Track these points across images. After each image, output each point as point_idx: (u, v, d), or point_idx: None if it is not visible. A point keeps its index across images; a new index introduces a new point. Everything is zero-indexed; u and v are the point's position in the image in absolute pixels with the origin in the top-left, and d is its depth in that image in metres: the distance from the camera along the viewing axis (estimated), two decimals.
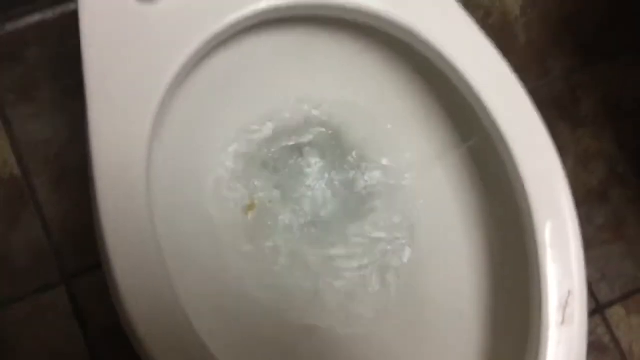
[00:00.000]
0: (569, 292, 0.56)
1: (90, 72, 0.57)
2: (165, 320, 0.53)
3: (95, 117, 0.56)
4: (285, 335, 0.68)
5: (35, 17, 0.86)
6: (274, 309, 0.67)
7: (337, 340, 0.68)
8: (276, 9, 0.61)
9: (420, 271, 0.69)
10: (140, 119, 0.56)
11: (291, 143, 0.73)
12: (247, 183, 0.71)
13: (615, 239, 0.95)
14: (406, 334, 0.68)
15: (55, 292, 0.81)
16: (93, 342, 0.81)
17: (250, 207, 0.70)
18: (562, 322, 0.55)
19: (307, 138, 0.73)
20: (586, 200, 0.95)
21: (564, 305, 0.55)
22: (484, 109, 0.60)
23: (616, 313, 0.93)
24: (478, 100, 0.61)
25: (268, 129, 0.72)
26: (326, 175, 0.73)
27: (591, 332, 0.74)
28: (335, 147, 0.73)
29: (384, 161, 0.73)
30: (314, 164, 0.73)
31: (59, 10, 0.86)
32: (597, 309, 0.93)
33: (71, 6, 0.87)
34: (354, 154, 0.73)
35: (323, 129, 0.73)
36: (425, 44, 0.62)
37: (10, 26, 0.85)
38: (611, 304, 0.93)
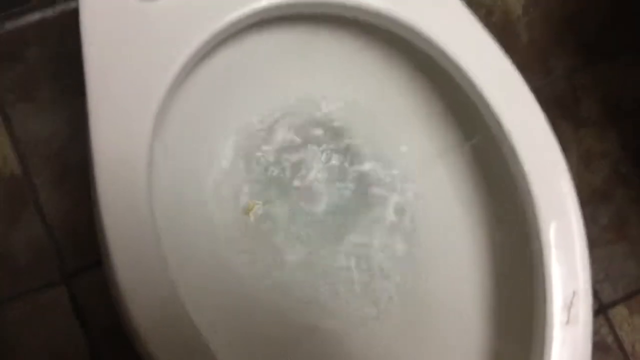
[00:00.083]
0: (574, 293, 0.56)
1: (91, 71, 0.56)
2: (166, 318, 0.52)
3: (96, 116, 0.55)
4: (286, 335, 0.67)
5: (36, 16, 0.86)
6: (274, 308, 0.67)
7: (338, 340, 0.68)
8: (277, 7, 0.61)
9: (422, 271, 0.69)
10: (141, 118, 0.55)
11: (291, 142, 0.72)
12: (247, 182, 0.71)
13: (618, 238, 0.95)
14: (408, 334, 0.68)
15: (55, 291, 0.81)
16: (93, 341, 0.81)
17: (250, 208, 0.70)
18: (567, 322, 0.55)
19: (307, 136, 0.73)
20: (589, 200, 0.95)
21: (569, 306, 0.55)
22: (487, 106, 0.60)
23: (619, 313, 0.93)
24: (481, 97, 0.60)
25: (268, 128, 0.72)
26: (326, 174, 0.72)
27: (594, 332, 0.73)
28: (336, 145, 0.73)
29: (385, 160, 0.72)
30: (314, 162, 0.72)
31: (59, 8, 0.86)
32: (600, 309, 0.92)
33: (71, 4, 0.86)
34: (354, 152, 0.73)
35: (324, 128, 0.73)
36: (427, 41, 0.61)
37: (10, 25, 0.85)
38: (614, 304, 0.93)
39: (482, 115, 0.61)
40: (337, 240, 0.71)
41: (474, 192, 0.69)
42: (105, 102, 0.56)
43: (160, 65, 0.57)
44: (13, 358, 0.79)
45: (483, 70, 0.60)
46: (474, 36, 0.62)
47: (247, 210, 0.70)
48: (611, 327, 0.92)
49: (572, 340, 0.55)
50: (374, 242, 0.70)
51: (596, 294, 0.92)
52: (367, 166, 0.72)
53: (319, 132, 0.73)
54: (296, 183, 0.72)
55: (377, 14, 0.62)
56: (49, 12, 0.86)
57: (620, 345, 0.92)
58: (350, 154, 0.73)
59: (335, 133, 0.73)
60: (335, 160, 0.73)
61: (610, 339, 0.92)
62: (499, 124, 0.60)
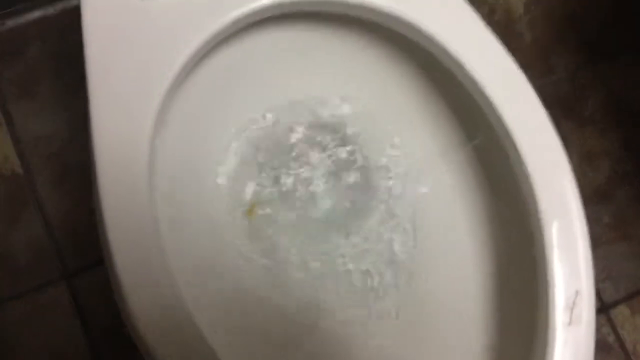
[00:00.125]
0: (577, 293, 0.55)
1: (92, 68, 0.56)
2: (167, 316, 0.52)
3: (98, 114, 0.55)
4: (286, 335, 0.67)
5: (37, 13, 0.86)
6: (274, 308, 0.67)
7: (338, 340, 0.68)
8: (279, 5, 0.60)
9: (422, 271, 0.69)
10: (142, 116, 0.55)
11: (292, 141, 0.72)
12: (248, 182, 0.71)
13: (620, 238, 0.95)
14: (408, 334, 0.68)
15: (55, 290, 0.81)
16: (94, 340, 0.81)
17: (251, 209, 0.70)
18: (570, 323, 0.54)
19: (308, 136, 0.72)
20: (591, 199, 0.95)
21: (571, 306, 0.54)
22: (490, 105, 0.60)
23: (621, 313, 0.93)
24: (484, 96, 0.60)
25: (269, 127, 0.72)
26: (328, 173, 0.72)
27: (596, 331, 0.73)
28: (337, 145, 0.73)
29: (387, 159, 0.72)
30: (315, 162, 0.72)
31: (60, 6, 0.86)
32: (601, 308, 0.92)
33: (73, 2, 0.86)
34: (356, 152, 0.72)
35: (325, 127, 0.73)
36: (430, 39, 0.61)
37: (12, 22, 0.85)
38: (616, 303, 0.93)
39: (485, 114, 0.61)
40: (338, 240, 0.70)
41: (476, 192, 0.69)
42: (106, 100, 0.56)
43: (162, 64, 0.57)
44: (13, 358, 0.79)
45: (486, 69, 0.60)
46: (477, 35, 0.61)
47: (249, 212, 0.70)
48: (613, 326, 0.92)
49: (574, 340, 0.55)
50: (374, 242, 0.70)
51: (598, 294, 0.92)
52: (369, 166, 0.72)
53: (320, 131, 0.73)
54: (297, 183, 0.72)
55: (380, 12, 0.61)
56: (50, 10, 0.86)
57: (622, 345, 0.92)
58: (351, 153, 0.72)
59: (336, 132, 0.73)
60: (336, 160, 0.72)
61: (611, 339, 0.92)
62: (502, 123, 0.59)
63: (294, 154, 0.72)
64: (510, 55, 0.61)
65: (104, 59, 0.56)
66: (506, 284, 0.65)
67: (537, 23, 0.97)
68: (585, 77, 0.97)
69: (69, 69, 0.85)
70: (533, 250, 0.59)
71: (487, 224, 0.68)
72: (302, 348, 0.67)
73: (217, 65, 0.65)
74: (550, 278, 0.56)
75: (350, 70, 0.72)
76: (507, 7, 0.97)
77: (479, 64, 0.60)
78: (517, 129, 0.59)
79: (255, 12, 0.59)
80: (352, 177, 0.72)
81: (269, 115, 0.72)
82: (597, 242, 0.93)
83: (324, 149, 0.72)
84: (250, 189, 0.70)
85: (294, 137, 0.72)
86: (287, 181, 0.71)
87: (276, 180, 0.71)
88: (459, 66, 0.60)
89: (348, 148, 0.72)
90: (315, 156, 0.72)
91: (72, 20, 0.85)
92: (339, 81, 0.72)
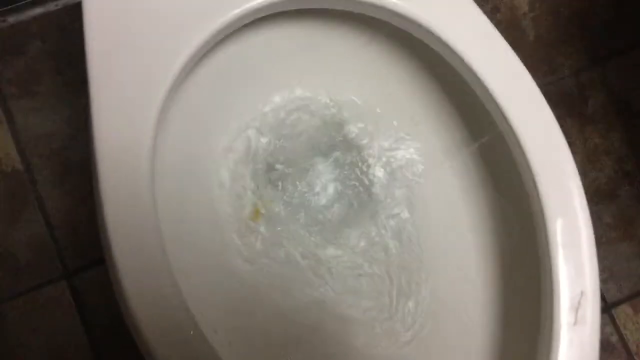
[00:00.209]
0: (582, 293, 0.55)
1: (94, 65, 0.56)
2: (168, 316, 0.52)
3: (99, 111, 0.55)
4: (286, 335, 0.67)
5: (38, 10, 0.86)
6: (275, 308, 0.67)
7: (338, 340, 0.68)
8: (279, 3, 0.60)
9: (425, 271, 0.69)
10: (144, 115, 0.55)
11: (294, 139, 0.72)
12: (250, 181, 0.70)
13: (623, 237, 0.94)
14: (412, 335, 0.67)
15: (56, 289, 0.81)
16: (94, 339, 0.80)
17: (255, 212, 0.70)
18: (575, 323, 0.54)
19: (309, 134, 0.72)
20: (594, 198, 0.94)
21: (576, 307, 0.54)
22: (495, 104, 0.59)
23: (624, 312, 0.93)
24: (489, 94, 0.59)
25: (270, 125, 0.72)
26: (329, 172, 0.72)
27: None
28: (339, 142, 0.73)
29: (389, 157, 0.72)
30: (318, 161, 0.72)
31: (61, 2, 0.86)
32: (604, 308, 0.92)
33: None
34: (358, 150, 0.72)
35: (327, 125, 0.73)
36: (434, 36, 0.60)
37: (13, 19, 0.85)
38: (619, 303, 0.93)
39: (490, 113, 0.61)
40: (339, 240, 0.70)
41: (480, 191, 0.69)
42: (107, 99, 0.55)
43: (164, 61, 0.56)
44: (14, 357, 0.79)
45: (491, 68, 0.60)
46: (482, 32, 0.61)
47: (253, 215, 0.69)
48: (616, 326, 0.92)
49: (579, 341, 0.54)
50: (376, 241, 0.70)
51: (600, 293, 0.92)
52: (371, 164, 0.72)
53: (321, 129, 0.73)
54: (299, 182, 0.72)
55: (384, 9, 0.61)
56: (51, 7, 0.86)
57: (625, 345, 0.92)
58: (354, 151, 0.72)
59: (338, 130, 0.73)
60: (339, 158, 0.72)
61: (614, 338, 0.92)
62: (507, 122, 0.59)
63: (295, 152, 0.72)
64: (515, 53, 0.61)
65: (105, 58, 0.56)
66: (509, 283, 0.65)
67: (541, 21, 0.97)
68: (589, 76, 0.97)
69: (70, 67, 0.85)
70: (537, 250, 0.58)
71: (491, 223, 0.68)
72: (302, 348, 0.67)
73: (218, 64, 0.65)
74: (555, 278, 0.56)
75: (351, 67, 0.72)
76: (511, 5, 0.96)
77: (484, 62, 0.59)
78: (523, 127, 0.59)
79: (255, 10, 0.59)
80: (354, 176, 0.72)
81: (269, 114, 0.71)
82: (599, 242, 0.91)
83: (325, 147, 0.72)
84: (251, 189, 0.70)
85: (295, 136, 0.72)
86: (289, 181, 0.71)
87: (278, 180, 0.71)
88: (464, 64, 0.60)
89: (351, 147, 0.72)
90: (317, 154, 0.72)
91: (73, 17, 0.85)
92: (340, 78, 0.72)
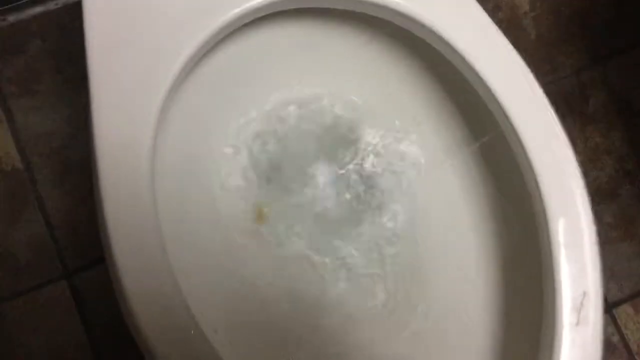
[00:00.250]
0: (584, 294, 0.55)
1: (94, 64, 0.56)
2: (168, 315, 0.52)
3: (99, 109, 0.55)
4: (287, 334, 0.67)
5: (38, 9, 0.85)
6: (275, 307, 0.67)
7: (339, 340, 0.68)
8: (280, 2, 0.60)
9: (427, 270, 0.69)
10: (145, 114, 0.55)
11: (295, 138, 0.72)
12: (251, 179, 0.70)
13: (623, 237, 0.94)
14: (414, 334, 0.67)
15: (56, 289, 0.81)
16: (95, 337, 0.80)
17: (260, 213, 0.69)
18: (577, 324, 0.54)
19: (310, 132, 0.72)
20: (595, 198, 0.94)
21: (579, 307, 0.54)
22: (497, 103, 0.59)
23: (625, 312, 0.93)
24: (490, 93, 0.59)
25: (271, 124, 0.71)
26: (331, 172, 0.72)
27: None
28: (341, 142, 0.72)
29: (390, 156, 0.72)
30: (318, 159, 0.72)
31: (62, 1, 0.86)
32: (605, 308, 0.92)
33: None
34: (359, 149, 0.72)
35: (328, 123, 0.72)
36: (435, 35, 0.60)
37: (13, 17, 0.85)
38: (620, 302, 0.93)
39: (492, 112, 0.60)
40: (341, 239, 0.70)
41: (481, 191, 0.68)
42: (108, 96, 0.55)
43: (164, 60, 0.56)
44: (14, 357, 0.79)
45: (493, 67, 0.59)
46: (484, 31, 0.61)
47: (256, 214, 0.69)
48: (617, 326, 0.92)
49: (581, 341, 0.54)
50: (378, 241, 0.70)
51: None
52: (372, 163, 0.72)
53: (323, 129, 0.72)
54: (300, 180, 0.71)
55: (386, 8, 0.61)
56: (51, 5, 0.86)
57: (626, 345, 0.92)
58: (354, 151, 0.72)
59: (339, 130, 0.72)
60: (339, 158, 0.72)
61: (615, 338, 0.92)
62: (508, 121, 0.59)
63: (295, 152, 0.72)
64: (516, 52, 0.61)
65: (106, 57, 0.56)
66: (510, 283, 0.65)
67: (542, 20, 0.97)
68: (590, 75, 0.97)
69: (70, 66, 0.85)
70: (539, 250, 0.58)
71: (492, 223, 0.67)
72: (303, 348, 0.67)
73: (219, 64, 0.65)
74: (557, 278, 0.55)
75: (351, 66, 0.72)
76: (512, 4, 0.96)
77: (486, 61, 0.59)
78: (524, 126, 0.58)
79: (255, 10, 0.59)
80: (355, 176, 0.72)
81: (271, 113, 0.71)
82: (601, 241, 0.93)
83: (325, 146, 0.72)
84: (252, 189, 0.70)
85: (296, 135, 0.72)
86: (289, 181, 0.71)
87: (280, 179, 0.71)
88: (465, 63, 0.60)
89: (352, 146, 0.72)
90: (318, 154, 0.72)
91: (73, 16, 0.85)
92: (340, 78, 0.72)
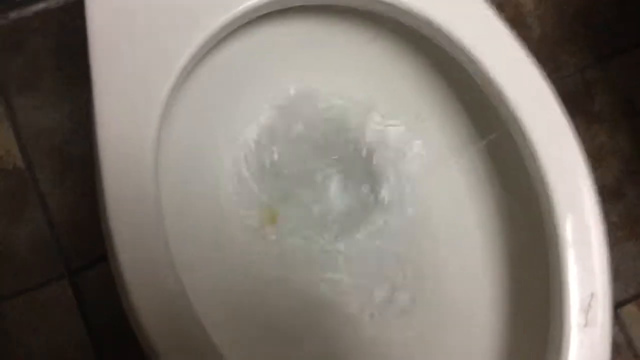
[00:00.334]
0: (592, 295, 0.54)
1: (96, 61, 0.56)
2: (170, 312, 0.52)
3: (101, 106, 0.55)
4: (289, 333, 0.67)
5: (40, 5, 0.86)
6: (277, 306, 0.67)
7: (341, 339, 0.68)
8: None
9: (432, 270, 0.69)
10: (148, 109, 0.55)
11: (298, 135, 0.72)
12: (254, 177, 0.70)
13: (629, 236, 0.94)
14: (416, 334, 0.67)
15: (57, 287, 0.81)
16: (96, 337, 0.80)
17: (271, 215, 0.69)
18: (585, 325, 0.54)
19: (314, 130, 0.72)
20: (600, 197, 0.94)
21: (587, 308, 0.54)
22: (503, 99, 0.59)
23: (630, 312, 0.93)
24: (497, 91, 0.59)
25: (274, 121, 0.71)
26: (334, 168, 0.72)
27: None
28: (344, 140, 0.72)
29: (394, 154, 0.72)
30: (322, 159, 0.72)
31: None
32: None
33: None
34: (361, 146, 0.72)
35: (330, 121, 0.72)
36: (441, 32, 0.60)
37: (14, 14, 0.85)
38: (625, 302, 0.93)
39: (498, 110, 0.60)
40: (345, 238, 0.70)
41: (487, 189, 0.68)
42: (110, 93, 0.55)
43: (168, 57, 0.56)
44: (14, 355, 0.79)
45: (500, 64, 0.59)
46: (490, 29, 0.60)
47: (266, 218, 0.69)
48: (621, 326, 0.92)
49: (590, 343, 0.54)
50: (382, 240, 0.70)
51: None
52: (376, 161, 0.72)
53: (326, 125, 0.72)
54: (304, 177, 0.71)
55: (391, 5, 0.60)
56: (52, 3, 0.86)
57: (631, 345, 0.92)
58: (358, 148, 0.72)
59: (343, 127, 0.72)
60: (343, 155, 0.72)
61: (620, 338, 0.92)
62: (515, 119, 0.58)
63: (299, 148, 0.71)
64: (525, 50, 0.60)
65: (108, 51, 0.56)
66: (517, 283, 0.65)
67: (546, 19, 0.97)
68: (594, 74, 0.97)
69: (71, 63, 0.85)
70: (546, 249, 0.58)
71: (498, 222, 0.67)
72: (305, 345, 0.67)
73: (222, 61, 0.65)
74: (564, 279, 0.55)
75: (355, 64, 0.71)
76: (517, 2, 0.96)
77: (493, 59, 0.59)
78: (531, 124, 0.58)
79: (259, 7, 0.59)
80: (360, 175, 0.71)
81: (274, 110, 0.71)
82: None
83: (329, 144, 0.72)
84: (257, 184, 0.70)
85: (300, 131, 0.72)
86: (295, 176, 0.71)
87: (284, 176, 0.71)
88: (471, 60, 0.59)
89: (356, 145, 0.72)
90: (320, 151, 0.72)
91: (74, 13, 0.84)
92: (344, 75, 0.72)
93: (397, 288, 0.68)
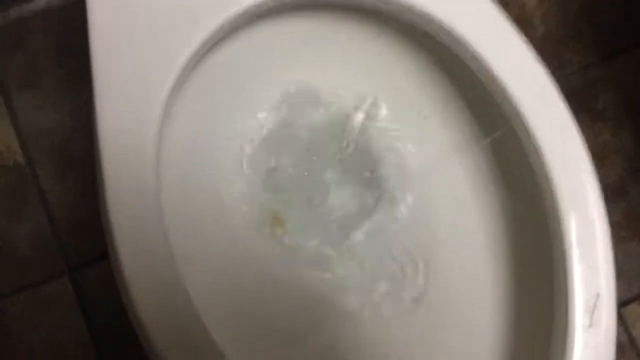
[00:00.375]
0: (597, 295, 0.54)
1: (97, 59, 0.56)
2: (171, 310, 0.52)
3: (102, 105, 0.55)
4: (290, 332, 0.67)
5: (41, 3, 0.85)
6: (279, 304, 0.67)
7: (343, 338, 0.68)
8: None
9: (435, 270, 0.68)
10: (149, 108, 0.55)
11: (300, 134, 0.72)
12: (256, 175, 0.70)
13: (632, 236, 0.94)
14: (419, 333, 0.67)
15: (58, 284, 0.81)
16: (96, 335, 0.80)
17: (276, 217, 0.69)
18: (590, 326, 0.53)
19: (316, 128, 0.72)
20: (603, 195, 0.94)
21: (591, 309, 0.53)
22: (507, 97, 0.58)
23: (633, 311, 0.92)
24: (500, 87, 0.59)
25: (276, 119, 0.71)
26: (338, 166, 0.72)
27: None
28: (346, 138, 0.72)
29: (397, 152, 0.72)
30: (323, 155, 0.72)
31: None
32: None
33: None
34: (365, 144, 0.72)
35: (333, 119, 0.72)
36: (445, 29, 0.60)
37: (15, 12, 0.85)
38: (628, 302, 0.92)
39: (502, 107, 0.60)
40: (347, 238, 0.70)
41: (490, 187, 0.68)
42: (111, 91, 0.55)
43: (169, 54, 0.56)
44: (15, 352, 0.79)
45: (503, 61, 0.59)
46: (494, 26, 0.60)
47: (274, 219, 0.69)
48: (624, 326, 0.92)
49: (594, 344, 0.54)
50: (384, 239, 0.70)
51: None
52: (378, 159, 0.72)
53: (328, 123, 0.72)
54: (305, 174, 0.71)
55: (395, 3, 0.60)
56: (53, 1, 0.86)
57: (634, 344, 0.91)
58: (360, 146, 0.72)
59: (345, 124, 0.72)
60: (345, 154, 0.72)
61: (623, 338, 0.92)
62: (519, 117, 0.58)
63: (300, 146, 0.71)
64: (530, 47, 0.60)
65: (110, 48, 0.56)
66: (520, 283, 0.65)
67: (550, 16, 0.96)
68: (597, 72, 0.97)
69: (72, 61, 0.84)
70: (550, 249, 0.58)
71: (501, 221, 0.67)
72: (306, 344, 0.67)
73: (224, 59, 0.65)
74: (569, 279, 0.55)
75: (357, 61, 0.71)
76: (521, 0, 0.96)
77: (496, 56, 0.59)
78: (536, 122, 0.58)
79: (261, 4, 0.59)
80: (363, 174, 0.71)
81: (276, 107, 0.71)
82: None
83: (331, 142, 0.72)
84: (258, 181, 0.70)
85: (302, 130, 0.72)
86: (297, 173, 0.71)
87: (286, 173, 0.71)
88: (475, 58, 0.59)
89: (359, 144, 0.72)
90: (322, 150, 0.72)
91: (75, 11, 0.84)
92: (346, 73, 0.72)
93: (397, 287, 0.68)
